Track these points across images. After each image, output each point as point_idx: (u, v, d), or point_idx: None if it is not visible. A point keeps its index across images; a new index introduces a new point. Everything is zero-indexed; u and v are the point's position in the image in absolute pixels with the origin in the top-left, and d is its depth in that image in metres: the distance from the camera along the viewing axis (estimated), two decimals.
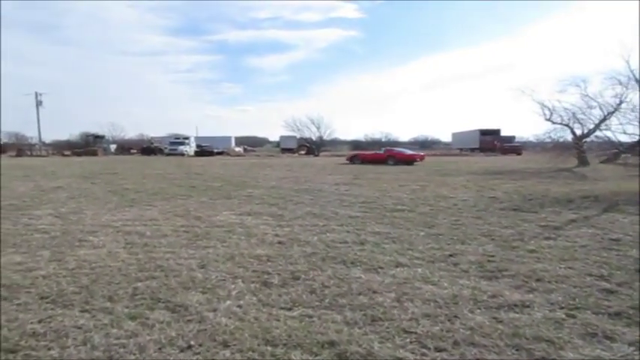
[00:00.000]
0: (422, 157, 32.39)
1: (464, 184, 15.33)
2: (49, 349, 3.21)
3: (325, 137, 61.91)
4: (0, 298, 4.25)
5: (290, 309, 3.99)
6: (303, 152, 62.81)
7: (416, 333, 3.45)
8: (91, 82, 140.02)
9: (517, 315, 3.83)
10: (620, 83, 21.04)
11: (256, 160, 43.22)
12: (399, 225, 7.93)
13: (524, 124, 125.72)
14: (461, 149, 69.01)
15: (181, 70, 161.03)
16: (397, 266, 5.33)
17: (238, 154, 59.02)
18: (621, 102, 21.89)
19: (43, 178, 18.56)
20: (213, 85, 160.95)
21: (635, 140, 17.64)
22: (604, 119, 23.23)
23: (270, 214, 9.11)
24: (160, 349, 3.20)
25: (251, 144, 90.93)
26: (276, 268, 5.27)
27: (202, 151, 55.05)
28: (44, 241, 6.68)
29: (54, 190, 13.69)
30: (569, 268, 5.23)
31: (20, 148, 59.84)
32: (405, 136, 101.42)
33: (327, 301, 4.19)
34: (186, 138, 62.53)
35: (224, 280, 4.82)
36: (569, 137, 26.08)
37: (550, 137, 27.08)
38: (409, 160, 29.99)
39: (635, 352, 3.17)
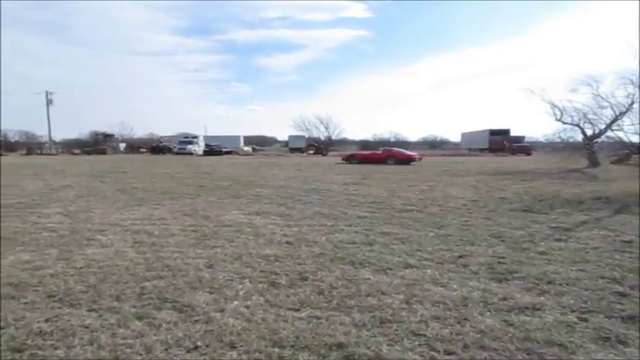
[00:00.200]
0: (420, 158, 32.83)
1: (473, 185, 15.24)
2: (56, 348, 3.20)
3: (334, 137, 61.86)
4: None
5: (298, 310, 3.95)
6: (311, 152, 62.74)
7: (425, 335, 3.41)
8: (101, 82, 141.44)
9: (528, 318, 3.77)
10: (632, 83, 20.86)
11: (265, 159, 43.27)
12: (407, 225, 7.87)
13: (534, 124, 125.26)
14: (470, 149, 68.76)
15: (190, 70, 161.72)
16: (406, 267, 5.28)
17: (247, 154, 59.13)
18: (633, 102, 21.71)
19: (53, 176, 18.70)
20: (222, 84, 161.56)
21: None
22: (615, 119, 23.03)
23: (278, 214, 9.09)
24: (166, 349, 3.18)
25: (260, 143, 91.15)
26: (284, 268, 5.24)
27: (211, 151, 55.14)
28: (52, 239, 6.70)
29: (63, 189, 13.77)
30: (581, 270, 5.15)
31: (30, 146, 60.40)
32: (414, 136, 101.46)
33: (335, 302, 4.15)
34: (195, 137, 62.72)
35: (231, 280, 4.79)
36: (580, 137, 25.84)
37: (560, 137, 26.87)
38: (407, 160, 30.66)
39: None
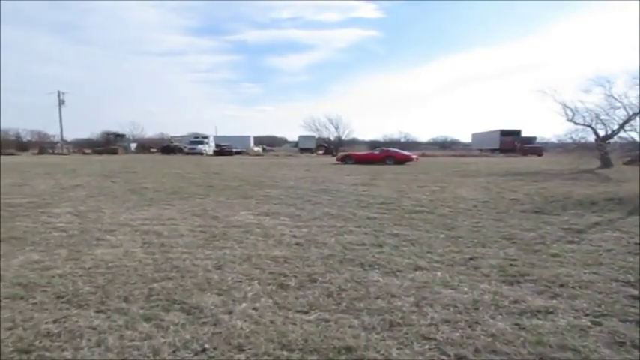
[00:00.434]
0: (417, 158, 33.74)
1: (484, 186, 15.13)
2: (63, 349, 3.18)
3: (344, 137, 61.84)
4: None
5: (306, 312, 3.92)
6: (321, 152, 62.76)
7: (435, 339, 3.36)
8: (113, 82, 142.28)
9: (540, 321, 3.70)
10: None
11: (275, 159, 43.35)
12: (417, 227, 7.81)
13: (546, 125, 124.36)
14: (481, 150, 68.40)
15: (201, 70, 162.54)
16: (416, 269, 5.23)
17: (257, 154, 59.29)
18: None
19: (64, 176, 18.82)
20: (232, 84, 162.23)
21: None
22: (628, 120, 22.84)
23: (287, 215, 9.06)
24: (174, 351, 3.16)
25: (270, 144, 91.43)
26: (292, 269, 5.21)
27: (221, 151, 55.39)
28: (62, 239, 6.72)
29: (74, 189, 13.84)
30: (594, 273, 5.07)
31: (42, 146, 60.95)
32: (424, 137, 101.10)
33: (344, 304, 4.11)
34: (206, 137, 62.91)
35: (240, 281, 4.77)
36: (592, 138, 25.61)
37: (572, 138, 26.69)
38: (404, 160, 31.51)
39: None
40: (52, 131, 69.06)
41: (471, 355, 3.12)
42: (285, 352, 3.15)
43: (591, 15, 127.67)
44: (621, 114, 23.26)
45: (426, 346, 3.25)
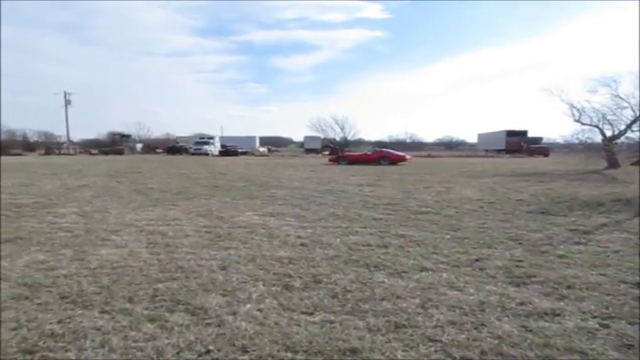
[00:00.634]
0: (410, 159, 34.44)
1: (490, 186, 15.06)
2: (67, 350, 3.17)
3: (349, 138, 61.64)
4: None
5: (311, 314, 3.89)
6: (327, 153, 62.66)
7: (441, 341, 3.33)
8: (119, 82, 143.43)
9: (547, 324, 3.67)
10: None
11: (280, 160, 43.39)
12: (423, 228, 7.78)
13: (552, 125, 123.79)
14: (487, 150, 68.18)
15: (207, 71, 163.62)
16: (421, 271, 5.20)
17: (262, 155, 59.36)
18: None
19: (70, 176, 18.90)
20: (238, 85, 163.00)
21: None
22: (635, 120, 22.66)
23: (293, 215, 9.05)
24: (178, 353, 3.14)
25: (275, 144, 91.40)
26: (297, 270, 5.19)
27: (227, 151, 55.53)
28: (67, 239, 6.73)
29: (79, 189, 13.89)
30: (602, 274, 5.03)
31: (49, 146, 61.27)
32: (430, 137, 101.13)
33: (349, 306, 4.08)
34: (211, 138, 63.13)
35: (245, 282, 4.75)
36: (599, 139, 25.44)
37: (578, 139, 26.53)
38: (397, 161, 32.33)
39: None
40: (59, 132, 69.55)
41: (477, 358, 3.09)
42: (289, 354, 3.13)
43: (597, 15, 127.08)
44: (628, 114, 23.13)
45: (432, 349, 3.22)
